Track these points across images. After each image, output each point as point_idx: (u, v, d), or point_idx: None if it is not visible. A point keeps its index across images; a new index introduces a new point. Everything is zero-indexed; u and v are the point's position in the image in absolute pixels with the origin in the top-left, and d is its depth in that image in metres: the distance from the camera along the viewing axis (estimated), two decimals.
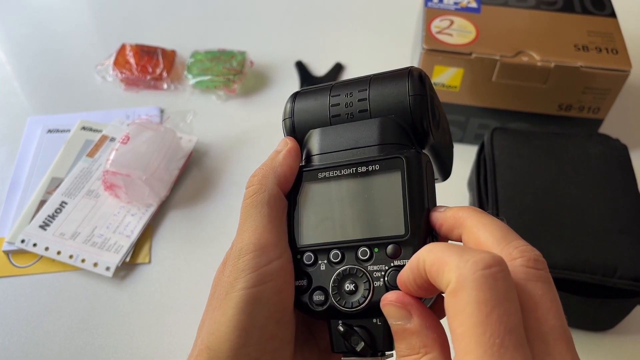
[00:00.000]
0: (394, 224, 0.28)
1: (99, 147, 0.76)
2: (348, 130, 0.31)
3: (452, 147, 0.36)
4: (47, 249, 0.65)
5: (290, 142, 0.32)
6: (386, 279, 0.28)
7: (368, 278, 0.28)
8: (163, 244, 0.68)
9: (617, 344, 0.59)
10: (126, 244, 0.66)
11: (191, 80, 0.84)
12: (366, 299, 0.28)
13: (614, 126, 0.76)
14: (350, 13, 0.99)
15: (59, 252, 0.65)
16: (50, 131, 0.80)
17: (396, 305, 0.26)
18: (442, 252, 0.23)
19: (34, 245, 0.66)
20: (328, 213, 0.30)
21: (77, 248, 0.66)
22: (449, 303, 0.22)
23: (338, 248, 0.29)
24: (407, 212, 0.28)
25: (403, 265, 0.27)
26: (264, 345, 0.28)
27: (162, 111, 0.83)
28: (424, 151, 0.30)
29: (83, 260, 0.65)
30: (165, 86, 0.85)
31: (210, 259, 0.66)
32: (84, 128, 0.79)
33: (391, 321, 0.26)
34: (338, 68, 0.88)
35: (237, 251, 0.29)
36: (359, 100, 0.31)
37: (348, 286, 0.29)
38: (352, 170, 0.30)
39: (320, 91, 0.33)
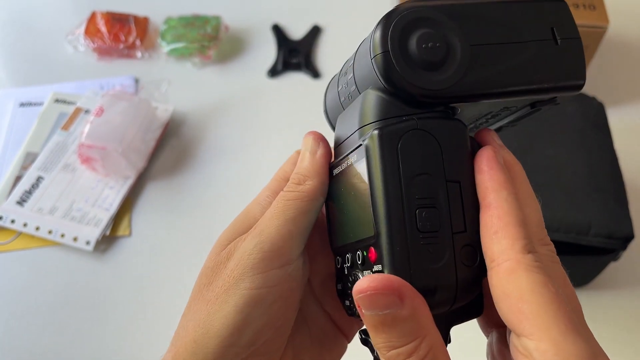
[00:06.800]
0: (366, 223, 0.24)
1: (74, 119, 0.74)
2: (347, 114, 0.27)
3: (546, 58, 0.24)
4: (25, 224, 0.65)
5: (322, 147, 0.29)
6: None
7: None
8: (143, 215, 0.67)
9: (591, 300, 0.60)
10: (105, 217, 0.66)
11: (165, 48, 0.82)
12: (353, 309, 0.26)
13: (592, 84, 0.76)
14: None
15: (37, 228, 0.65)
16: (22, 104, 0.78)
17: (382, 292, 0.21)
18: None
19: (12, 221, 0.65)
20: (340, 212, 0.28)
21: (56, 223, 0.65)
22: (502, 282, 0.22)
23: (346, 252, 0.27)
24: (374, 207, 0.23)
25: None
26: (255, 349, 0.26)
27: (137, 80, 0.81)
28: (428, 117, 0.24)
29: (62, 235, 0.64)
30: (139, 55, 0.83)
31: (191, 228, 0.66)
32: (57, 100, 0.77)
33: (372, 313, 0.21)
34: (315, 31, 0.86)
35: (252, 245, 0.27)
36: (350, 77, 0.27)
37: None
38: (345, 164, 0.26)
39: (337, 77, 0.29)
